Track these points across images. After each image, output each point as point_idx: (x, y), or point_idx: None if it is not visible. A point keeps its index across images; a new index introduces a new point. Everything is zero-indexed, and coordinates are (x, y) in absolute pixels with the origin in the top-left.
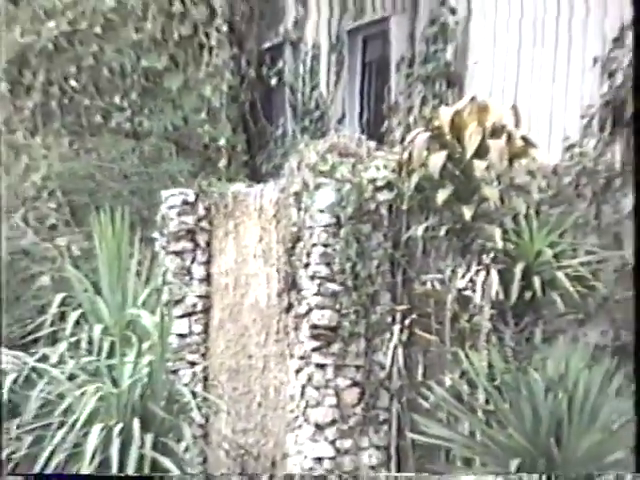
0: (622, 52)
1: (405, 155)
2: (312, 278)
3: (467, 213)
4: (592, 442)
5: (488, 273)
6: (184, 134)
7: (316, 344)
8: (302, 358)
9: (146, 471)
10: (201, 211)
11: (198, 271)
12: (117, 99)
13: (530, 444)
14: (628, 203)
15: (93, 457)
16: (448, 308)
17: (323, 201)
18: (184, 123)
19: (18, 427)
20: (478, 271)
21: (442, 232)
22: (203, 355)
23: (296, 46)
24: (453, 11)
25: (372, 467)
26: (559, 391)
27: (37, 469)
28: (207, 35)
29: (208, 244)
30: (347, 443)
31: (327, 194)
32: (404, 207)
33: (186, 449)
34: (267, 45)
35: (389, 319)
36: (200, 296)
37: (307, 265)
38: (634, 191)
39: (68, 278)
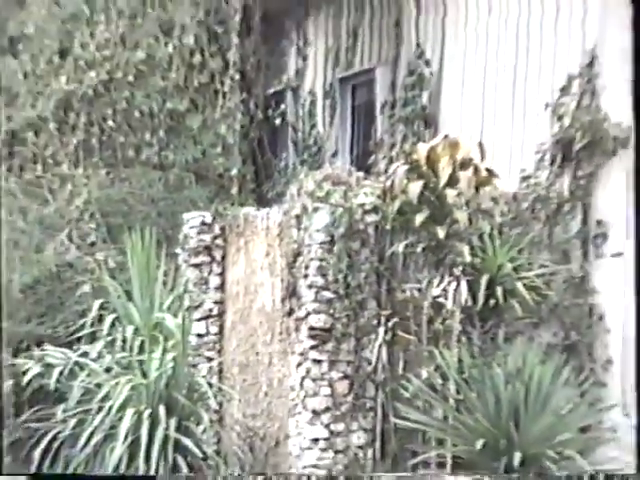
0: (569, 99)
1: (388, 184)
2: (310, 287)
3: (440, 233)
4: (544, 425)
5: (458, 283)
6: (202, 165)
7: (313, 343)
8: (301, 355)
9: (170, 451)
10: (217, 230)
11: (214, 281)
12: (146, 136)
13: (493, 427)
14: (575, 225)
15: (126, 437)
16: (424, 313)
17: (319, 222)
18: (202, 156)
19: (63, 411)
20: (450, 282)
21: (419, 249)
22: (218, 352)
23: (296, 92)
24: (428, 63)
25: (360, 447)
26: (517, 382)
27: (79, 447)
28: (222, 82)
29: (222, 258)
30: (339, 426)
31: (323, 216)
32: (388, 227)
33: (204, 431)
34: (272, 91)
35: (375, 322)
36: (216, 302)
37: (306, 276)
38: (634, 192)
39: (105, 287)
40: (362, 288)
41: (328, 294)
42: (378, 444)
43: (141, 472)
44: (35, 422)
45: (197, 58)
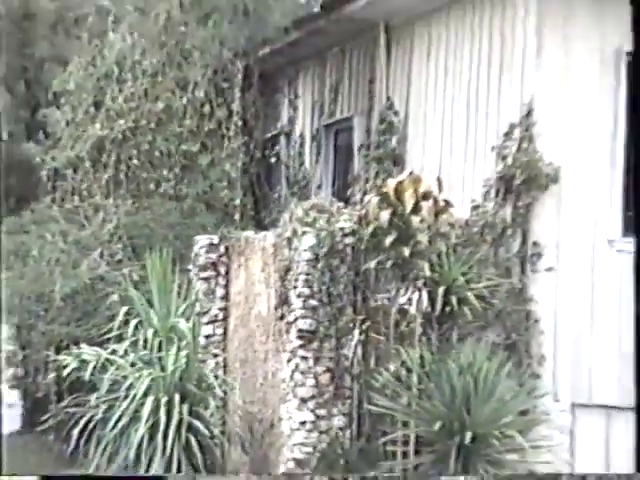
0: (511, 143)
1: (363, 212)
2: (298, 296)
3: (406, 252)
4: (491, 409)
5: (420, 293)
6: (210, 197)
7: (301, 342)
8: (291, 352)
9: (183, 431)
10: (222, 250)
11: (219, 291)
12: (165, 172)
13: (448, 411)
14: (515, 246)
15: (147, 420)
16: (392, 317)
17: (306, 243)
18: (210, 189)
19: (96, 399)
20: (413, 292)
21: (388, 265)
22: (223, 350)
23: (288, 136)
24: (396, 113)
25: (340, 428)
26: (468, 375)
27: (109, 428)
28: (227, 128)
29: (226, 273)
30: (322, 411)
31: (309, 239)
32: (362, 247)
33: (211, 415)
34: (268, 135)
35: (351, 325)
36: (221, 309)
37: (295, 287)
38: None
39: (130, 296)
40: (341, 297)
41: (313, 302)
42: (354, 426)
43: (159, 450)
44: (73, 407)
45: (207, 108)
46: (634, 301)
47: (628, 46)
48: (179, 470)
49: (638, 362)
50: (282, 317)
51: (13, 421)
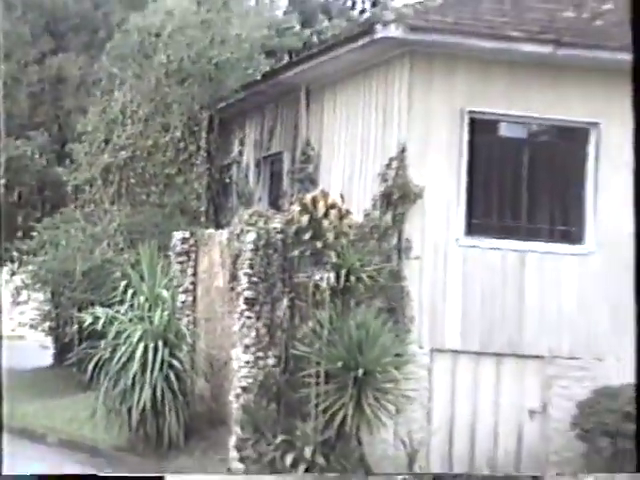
0: (391, 171)
1: (290, 217)
2: (244, 275)
3: (319, 245)
4: (376, 353)
5: (329, 273)
6: (184, 205)
7: (246, 307)
8: (239, 313)
9: (165, 367)
10: (192, 242)
11: (190, 271)
12: (153, 188)
13: (347, 354)
14: (394, 241)
15: (139, 359)
16: (310, 290)
17: (250, 238)
18: (184, 200)
19: (105, 344)
20: (324, 272)
21: (307, 254)
22: (192, 311)
23: (239, 164)
24: (312, 149)
25: (273, 366)
26: (362, 329)
27: (113, 364)
28: (196, 158)
29: (195, 258)
30: (260, 354)
31: (252, 235)
32: (289, 241)
33: (184, 356)
34: (224, 163)
35: (282, 295)
36: (191, 283)
37: (242, 268)
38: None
39: (128, 273)
40: (274, 276)
41: (254, 279)
42: (283, 365)
43: (147, 379)
44: (89, 349)
45: (182, 144)
46: (634, 301)
47: (469, 107)
48: (163, 398)
49: (638, 361)
50: (233, 289)
51: (48, 359)
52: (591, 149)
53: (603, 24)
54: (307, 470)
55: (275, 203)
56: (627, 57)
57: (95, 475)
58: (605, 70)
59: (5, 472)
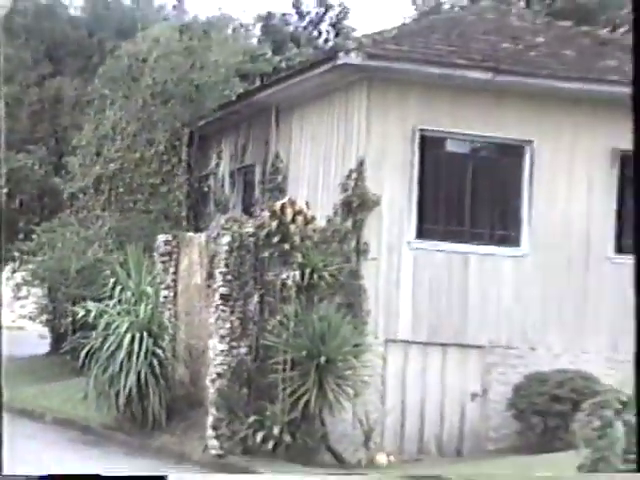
0: (350, 181)
1: (261, 222)
2: (220, 273)
3: (286, 246)
4: (337, 343)
5: (295, 272)
6: (168, 211)
7: (221, 301)
8: (215, 307)
9: (149, 355)
10: (174, 244)
11: (171, 269)
12: (139, 196)
13: (311, 344)
14: (353, 243)
15: (126, 348)
16: (278, 287)
17: (225, 240)
18: (167, 206)
19: (95, 334)
20: (291, 271)
21: (276, 255)
22: (174, 305)
23: (216, 175)
24: (281, 162)
25: (245, 354)
26: (324, 322)
27: (103, 352)
28: (177, 170)
29: (177, 258)
30: (234, 343)
31: (227, 237)
32: (260, 244)
33: (166, 345)
34: (203, 174)
35: (253, 291)
36: (173, 280)
37: (218, 267)
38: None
39: (117, 271)
40: (246, 274)
41: (229, 277)
42: (254, 353)
43: (133, 366)
44: (82, 339)
45: (165, 157)
46: (634, 301)
47: (420, 125)
48: (147, 382)
49: (638, 363)
50: (209, 286)
51: (45, 347)
52: (526, 163)
53: (536, 54)
54: (275, 446)
55: (248, 210)
56: (557, 84)
57: (96, 475)
58: (538, 95)
59: (5, 472)
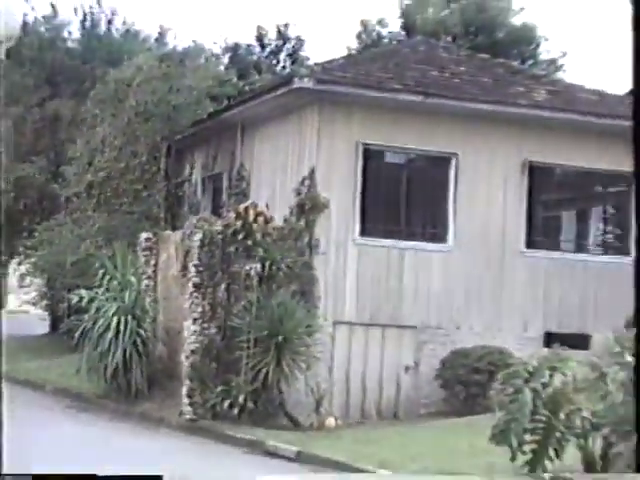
0: (304, 187)
1: (227, 221)
2: (193, 265)
3: (249, 242)
4: (293, 324)
5: (257, 265)
6: (149, 213)
7: (194, 289)
8: (189, 294)
9: (133, 335)
10: (154, 240)
11: (152, 262)
12: (124, 199)
13: (270, 325)
14: (306, 240)
15: (114, 329)
16: (242, 277)
17: (197, 237)
18: (147, 208)
19: (88, 317)
20: (253, 264)
21: (240, 249)
22: (154, 292)
23: (189, 181)
24: (245, 170)
25: (214, 334)
26: (282, 306)
27: (94, 332)
28: (157, 177)
29: (157, 252)
30: (205, 325)
31: (199, 235)
32: (227, 240)
33: (147, 326)
34: (179, 180)
35: (220, 281)
36: (153, 271)
37: (191, 260)
38: (634, 194)
39: (105, 264)
40: (215, 267)
41: (200, 268)
42: (222, 333)
43: (120, 344)
44: (76, 321)
45: (147, 167)
46: (634, 302)
47: (363, 140)
48: (131, 358)
49: (638, 364)
50: (184, 276)
51: (45, 328)
52: (452, 173)
53: (460, 81)
54: (240, 412)
55: (216, 211)
56: (477, 105)
57: (95, 475)
58: (461, 114)
59: (5, 471)
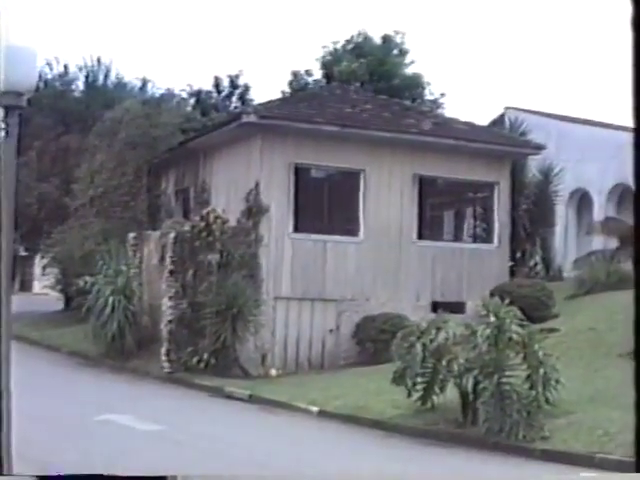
0: (251, 196)
1: (194, 223)
2: (168, 257)
3: (211, 239)
4: (244, 299)
5: (216, 255)
6: (135, 218)
7: (169, 275)
8: (166, 278)
9: (126, 308)
10: (139, 239)
11: (138, 255)
12: (117, 209)
13: (227, 300)
14: (254, 236)
15: (110, 306)
16: (206, 265)
17: (171, 235)
18: (135, 215)
19: (90, 297)
20: (214, 255)
21: (204, 245)
22: (140, 277)
23: (165, 194)
24: (207, 184)
25: (186, 308)
26: (234, 287)
27: (96, 307)
28: (141, 191)
29: (141, 247)
30: (178, 302)
31: (173, 234)
32: (194, 237)
33: (136, 303)
34: (157, 193)
35: (190, 268)
36: (139, 262)
37: (167, 253)
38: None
39: (104, 256)
40: (185, 257)
41: (174, 259)
42: (191, 308)
43: (115, 316)
44: (83, 300)
45: (133, 183)
46: (634, 303)
47: (295, 160)
48: (124, 327)
49: (637, 366)
50: (162, 264)
51: (60, 305)
52: (361, 184)
53: (367, 115)
54: (205, 366)
55: (186, 216)
56: (380, 133)
57: (95, 475)
58: (368, 140)
59: (5, 472)
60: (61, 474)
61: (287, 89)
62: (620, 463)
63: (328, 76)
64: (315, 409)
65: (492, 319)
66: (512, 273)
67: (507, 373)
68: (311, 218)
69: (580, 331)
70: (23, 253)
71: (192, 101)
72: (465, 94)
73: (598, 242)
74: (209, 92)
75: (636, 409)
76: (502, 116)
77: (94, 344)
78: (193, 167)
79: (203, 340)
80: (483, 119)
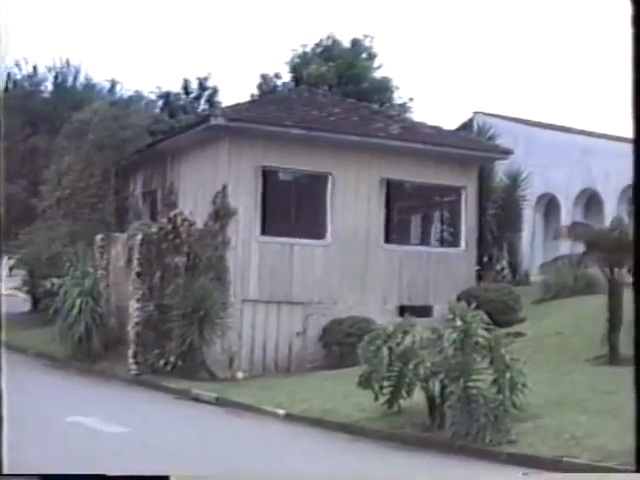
0: (218, 199)
1: (161, 225)
2: (136, 259)
3: (177, 241)
4: (211, 302)
5: (183, 258)
6: (104, 220)
7: (136, 277)
8: (133, 280)
9: (93, 309)
10: (107, 240)
11: (105, 256)
12: (85, 210)
13: (194, 303)
14: (225, 239)
15: (77, 308)
16: (173, 267)
17: (139, 237)
18: (103, 217)
19: (58, 298)
20: (181, 257)
21: (171, 246)
22: (107, 279)
23: (133, 195)
24: (174, 187)
25: (153, 310)
26: (202, 290)
27: (64, 309)
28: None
29: (108, 249)
30: (145, 304)
31: (140, 235)
32: (161, 239)
33: (103, 305)
34: (125, 195)
35: (157, 270)
36: (106, 263)
37: (134, 254)
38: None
39: (71, 257)
40: (152, 259)
41: (141, 261)
42: (158, 310)
43: (82, 317)
44: (50, 302)
45: (101, 185)
46: (634, 303)
47: (262, 163)
48: (91, 329)
49: (637, 366)
50: (129, 267)
51: (27, 307)
52: (328, 187)
53: (335, 119)
54: (172, 368)
55: (153, 218)
56: (348, 137)
57: (95, 475)
58: (336, 144)
59: (5, 472)
60: (69, 474)
61: (256, 92)
62: (586, 467)
63: (297, 79)
64: (282, 412)
65: (459, 323)
66: (479, 277)
67: (474, 377)
68: (278, 221)
69: (547, 335)
70: None
71: (160, 103)
72: (433, 98)
73: (565, 247)
74: (178, 94)
75: (636, 409)
76: (470, 121)
77: (61, 346)
78: (161, 169)
79: (170, 342)
80: (451, 124)
